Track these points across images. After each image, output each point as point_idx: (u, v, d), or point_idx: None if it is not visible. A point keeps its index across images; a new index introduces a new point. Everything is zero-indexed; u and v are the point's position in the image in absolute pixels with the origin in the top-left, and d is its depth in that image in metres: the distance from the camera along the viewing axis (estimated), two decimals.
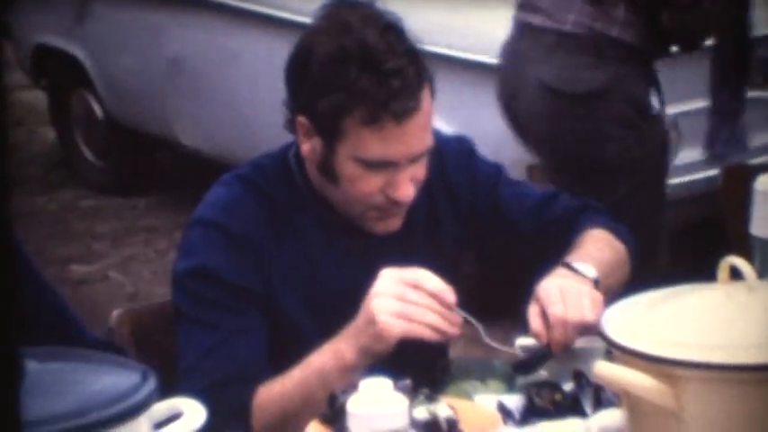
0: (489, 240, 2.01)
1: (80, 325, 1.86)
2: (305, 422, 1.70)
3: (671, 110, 3.77)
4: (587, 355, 1.78)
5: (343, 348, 1.72)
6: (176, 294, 1.86)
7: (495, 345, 1.78)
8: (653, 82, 3.19)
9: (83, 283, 4.46)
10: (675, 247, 3.79)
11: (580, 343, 1.82)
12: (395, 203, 1.82)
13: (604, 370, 1.50)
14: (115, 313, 2.05)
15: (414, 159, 1.81)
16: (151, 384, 1.26)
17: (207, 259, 1.82)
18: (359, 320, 1.71)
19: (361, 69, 1.75)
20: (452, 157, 1.97)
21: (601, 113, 3.03)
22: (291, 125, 1.86)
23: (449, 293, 1.70)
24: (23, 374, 1.11)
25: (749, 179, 2.11)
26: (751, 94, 3.85)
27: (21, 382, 0.83)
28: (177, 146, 4.84)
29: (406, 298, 1.68)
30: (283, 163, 1.90)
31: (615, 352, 1.51)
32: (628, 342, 1.48)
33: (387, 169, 1.80)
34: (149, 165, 5.29)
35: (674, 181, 3.76)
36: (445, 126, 3.86)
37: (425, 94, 1.80)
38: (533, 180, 3.70)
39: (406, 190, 1.81)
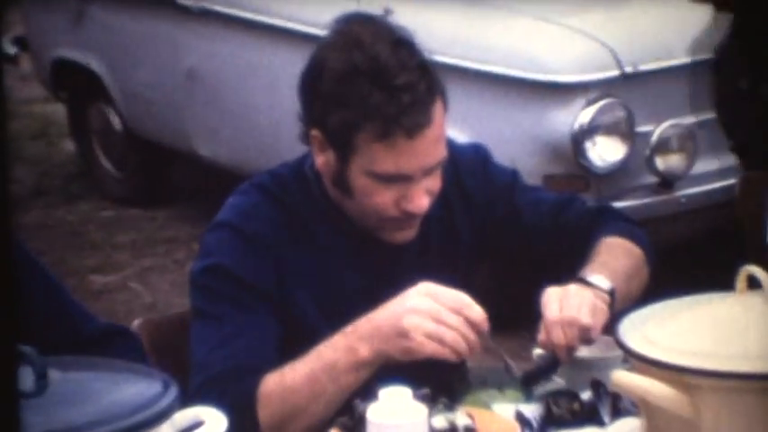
0: (506, 248, 2.02)
1: (87, 315, 1.87)
2: (312, 416, 1.71)
3: (687, 120, 3.77)
4: (605, 364, 1.78)
5: (358, 347, 1.72)
6: (192, 295, 1.88)
7: (512, 363, 1.79)
8: None
9: (102, 293, 4.48)
10: (692, 255, 3.79)
11: (597, 352, 1.82)
12: (409, 215, 1.83)
13: (622, 379, 1.50)
14: (135, 323, 2.06)
15: (427, 172, 1.82)
16: (173, 393, 1.27)
17: (222, 258, 1.84)
18: (385, 326, 1.71)
19: (372, 85, 1.76)
20: (468, 166, 1.98)
21: None
22: (306, 138, 1.87)
23: (485, 323, 1.70)
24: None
25: (766, 188, 2.11)
26: None
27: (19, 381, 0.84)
28: (195, 157, 4.86)
29: (445, 321, 1.68)
30: (300, 173, 1.91)
31: (633, 361, 1.51)
32: (646, 351, 1.48)
33: (400, 182, 1.81)
34: (168, 176, 5.32)
35: (691, 190, 3.77)
36: (461, 136, 3.87)
37: (437, 107, 1.81)
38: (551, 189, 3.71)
39: (421, 202, 1.82)
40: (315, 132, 1.83)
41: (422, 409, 1.57)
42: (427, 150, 1.80)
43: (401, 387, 1.59)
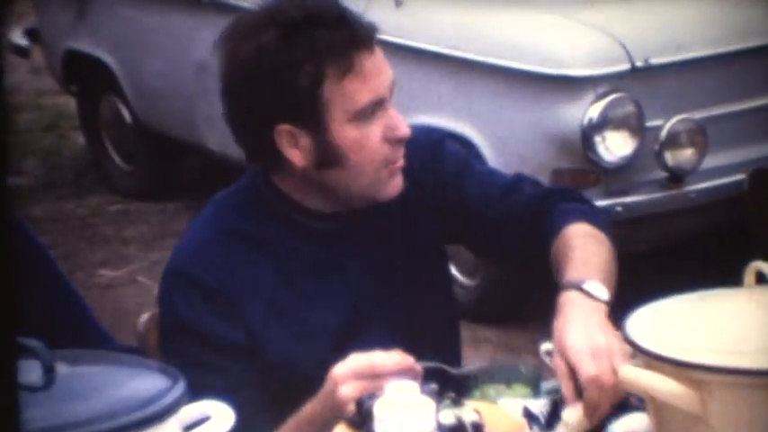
0: (464, 239, 1.98)
1: (107, 335, 1.87)
2: None
3: (697, 115, 3.77)
4: None
5: (342, 401, 1.65)
6: (163, 346, 1.84)
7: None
8: None
9: (111, 287, 4.49)
10: (701, 251, 3.79)
11: None
12: (399, 143, 1.81)
13: (630, 374, 1.50)
14: (144, 317, 2.06)
15: (392, 90, 1.81)
16: (180, 387, 1.27)
17: (185, 315, 1.79)
18: (329, 410, 1.66)
19: (314, 29, 1.75)
20: (418, 152, 1.91)
21: None
22: (263, 152, 1.80)
23: (407, 361, 1.65)
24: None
25: None
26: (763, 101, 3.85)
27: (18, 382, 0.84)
28: (205, 150, 4.86)
29: (372, 384, 1.63)
30: (251, 188, 1.85)
31: (641, 357, 1.51)
32: (654, 347, 1.48)
33: (379, 112, 1.78)
34: (178, 169, 5.32)
35: (700, 185, 3.76)
36: (471, 131, 3.87)
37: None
38: (560, 183, 3.71)
39: (403, 124, 1.81)
40: (279, 128, 1.77)
41: (429, 403, 1.57)
42: (384, 63, 1.80)
43: (408, 382, 1.59)
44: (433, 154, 1.95)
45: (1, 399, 0.80)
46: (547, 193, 1.96)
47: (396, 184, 1.84)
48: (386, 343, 1.71)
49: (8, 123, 0.80)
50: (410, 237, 1.92)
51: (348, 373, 1.65)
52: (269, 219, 1.84)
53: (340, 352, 1.70)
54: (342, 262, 1.86)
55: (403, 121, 1.82)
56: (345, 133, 1.78)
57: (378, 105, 1.79)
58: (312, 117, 1.77)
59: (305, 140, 1.78)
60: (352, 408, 1.63)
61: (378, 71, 1.79)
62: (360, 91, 1.77)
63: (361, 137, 1.78)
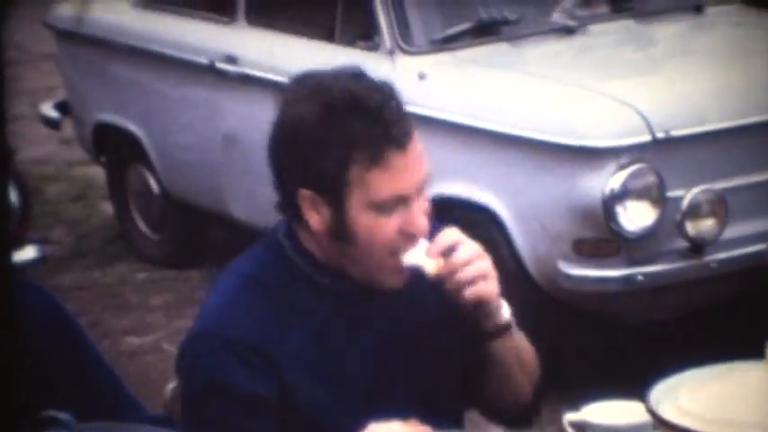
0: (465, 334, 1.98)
1: (138, 404, 1.90)
2: None
3: (718, 185, 3.79)
4: (634, 431, 1.79)
5: None
6: (188, 413, 1.84)
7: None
8: None
9: (136, 354, 4.51)
10: (722, 320, 3.79)
11: (628, 419, 1.84)
12: (413, 239, 1.82)
13: None
14: (170, 387, 2.06)
15: (419, 189, 1.83)
16: None
17: (215, 376, 1.80)
18: None
19: (350, 116, 1.79)
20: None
21: None
22: (289, 206, 1.85)
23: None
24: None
25: None
26: None
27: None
28: (231, 220, 4.90)
29: None
30: (276, 247, 1.88)
31: (663, 429, 1.53)
32: (677, 419, 1.49)
33: (400, 208, 1.81)
34: (203, 238, 5.35)
35: (722, 255, 3.77)
36: (493, 200, 3.90)
37: (411, 120, 1.84)
38: (580, 254, 3.73)
39: (422, 221, 1.83)
40: (303, 192, 1.82)
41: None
42: (417, 163, 1.82)
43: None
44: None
45: None
46: None
47: (400, 277, 1.86)
48: (408, 396, 1.77)
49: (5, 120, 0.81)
50: (427, 304, 1.95)
51: None
52: (293, 276, 1.87)
53: (368, 402, 1.75)
54: (366, 319, 1.88)
55: (422, 218, 1.83)
56: (360, 218, 1.81)
57: (399, 201, 1.81)
58: (333, 194, 1.81)
59: (324, 210, 1.82)
60: None
61: (407, 169, 1.80)
62: (383, 186, 1.80)
63: (374, 225, 1.81)
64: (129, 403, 1.89)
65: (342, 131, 1.79)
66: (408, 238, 1.83)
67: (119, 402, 1.86)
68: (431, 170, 1.86)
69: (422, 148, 1.84)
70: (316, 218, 1.82)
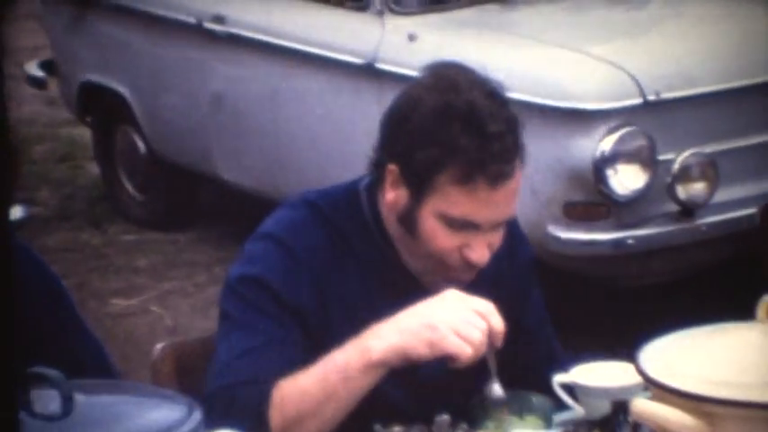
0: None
1: (116, 371, 1.89)
2: (322, 419, 1.73)
3: (709, 148, 3.78)
4: (624, 392, 1.78)
5: (371, 346, 1.74)
6: (224, 298, 1.89)
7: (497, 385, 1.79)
8: None
9: (123, 316, 4.50)
10: (712, 284, 3.79)
11: (617, 380, 1.83)
12: (468, 265, 1.83)
13: (643, 407, 1.51)
14: (158, 347, 2.07)
15: (495, 226, 1.83)
16: (197, 417, 1.28)
17: (264, 270, 1.85)
18: (413, 320, 1.73)
19: (463, 128, 1.78)
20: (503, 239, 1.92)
21: None
22: (377, 170, 1.88)
23: (502, 336, 1.73)
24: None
25: None
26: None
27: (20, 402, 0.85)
28: (219, 181, 4.88)
29: (474, 323, 1.72)
30: (353, 194, 1.92)
31: (653, 389, 1.52)
32: (666, 380, 1.49)
33: (468, 231, 1.81)
34: (191, 200, 5.34)
35: (711, 219, 3.76)
36: None
37: (519, 164, 1.84)
38: (570, 218, 3.72)
39: (483, 253, 1.82)
40: (392, 167, 1.84)
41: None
42: (503, 204, 1.82)
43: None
44: (510, 255, 1.98)
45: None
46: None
47: (448, 288, 1.85)
48: (431, 380, 1.78)
49: (8, 129, 0.81)
50: (493, 295, 1.92)
51: (450, 294, 1.74)
52: (357, 225, 1.90)
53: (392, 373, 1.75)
54: (418, 292, 1.86)
55: (483, 251, 1.83)
56: (429, 220, 1.83)
57: (470, 226, 1.82)
58: (416, 186, 1.83)
59: (403, 193, 1.84)
60: (452, 340, 1.68)
61: (490, 204, 1.81)
62: (461, 206, 1.80)
63: (438, 233, 1.82)
64: (110, 369, 1.88)
65: (448, 138, 1.79)
66: (465, 262, 1.83)
67: (98, 368, 1.85)
68: (514, 213, 1.86)
69: (516, 190, 1.84)
70: (392, 195, 1.85)
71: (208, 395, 1.77)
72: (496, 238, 1.85)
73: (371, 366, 1.73)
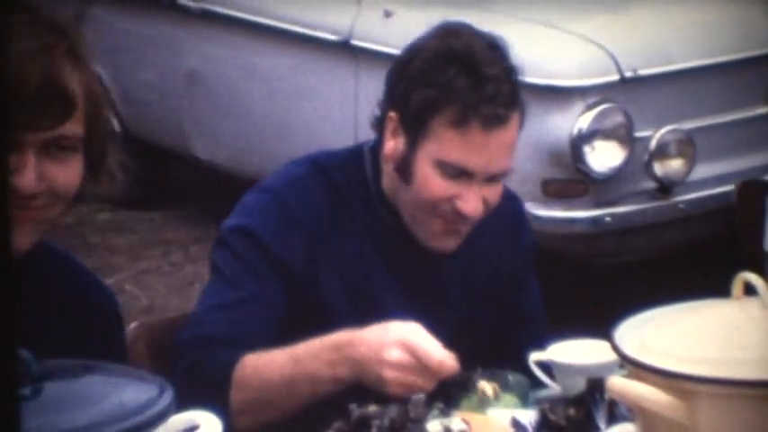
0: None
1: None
2: (284, 412, 1.73)
3: (686, 125, 3.77)
4: (600, 369, 1.78)
5: (340, 366, 1.73)
6: (215, 249, 1.90)
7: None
8: None
9: None
10: (690, 261, 3.79)
11: (593, 358, 1.82)
12: (460, 216, 1.83)
13: (618, 385, 1.50)
14: (131, 326, 2.05)
15: (490, 178, 1.83)
16: (168, 397, 1.27)
17: (255, 222, 1.85)
18: (366, 362, 1.71)
19: (460, 69, 1.80)
20: (498, 217, 1.93)
21: None
22: (379, 123, 1.88)
23: (450, 364, 1.71)
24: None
25: (763, 195, 2.11)
26: (756, 111, 3.86)
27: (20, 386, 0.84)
28: (194, 160, 4.86)
29: (419, 383, 1.69)
30: (357, 154, 1.92)
31: (629, 367, 1.51)
32: (642, 357, 1.48)
33: (462, 179, 1.81)
34: (166, 178, 5.31)
35: (689, 196, 3.77)
36: None
37: (515, 116, 1.84)
38: (548, 195, 3.71)
39: (476, 205, 1.82)
40: (392, 114, 1.85)
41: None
42: (497, 152, 1.82)
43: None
44: (519, 220, 1.99)
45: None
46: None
47: (447, 244, 1.87)
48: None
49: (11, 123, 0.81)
50: (490, 266, 1.95)
51: (406, 344, 1.68)
52: (358, 186, 1.90)
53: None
54: (415, 257, 1.88)
55: (475, 203, 1.82)
56: (424, 166, 1.83)
57: (463, 173, 1.81)
58: (413, 129, 1.83)
59: (400, 140, 1.85)
60: (391, 375, 1.67)
61: (483, 149, 1.80)
62: (455, 150, 1.80)
63: (431, 179, 1.82)
64: None
65: (443, 79, 1.80)
66: (457, 213, 1.82)
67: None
68: (508, 167, 1.85)
69: (510, 143, 1.83)
70: (391, 143, 1.85)
71: (180, 342, 1.79)
72: (492, 192, 1.84)
73: (338, 382, 1.74)
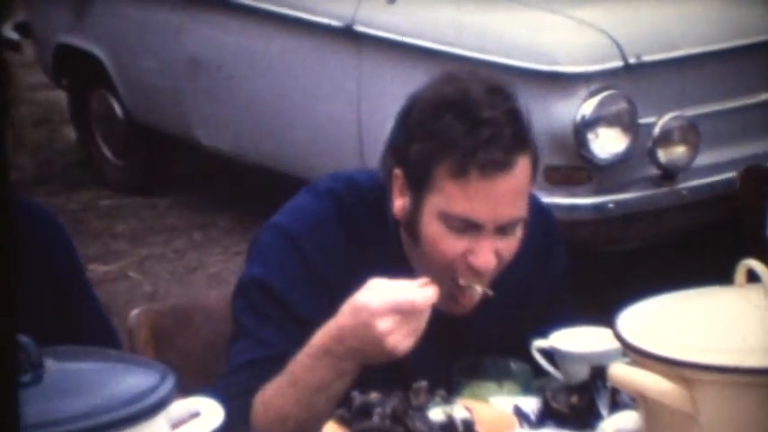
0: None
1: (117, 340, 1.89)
2: (316, 425, 1.68)
3: (690, 112, 3.76)
4: (603, 357, 1.77)
5: (343, 364, 1.70)
6: (234, 300, 1.84)
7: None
8: None
9: (101, 282, 4.47)
10: (693, 248, 3.79)
11: (595, 346, 1.82)
12: (474, 272, 1.75)
13: (620, 373, 1.50)
14: (134, 313, 2.05)
15: (501, 229, 1.74)
16: (169, 384, 1.27)
17: (277, 278, 1.79)
18: (360, 345, 1.68)
19: (455, 117, 1.72)
20: (531, 237, 1.83)
21: None
22: (387, 176, 1.81)
23: (429, 290, 1.68)
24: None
25: (766, 181, 2.11)
26: (760, 97, 3.85)
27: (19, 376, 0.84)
28: (197, 145, 4.85)
29: (408, 318, 1.66)
30: (379, 192, 1.84)
31: (631, 354, 1.51)
32: (644, 345, 1.48)
33: (470, 232, 1.74)
34: (169, 164, 5.31)
35: (692, 183, 3.76)
36: None
37: (522, 160, 1.74)
38: (551, 182, 3.71)
39: (487, 258, 1.74)
40: (397, 171, 1.79)
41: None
42: (502, 199, 1.73)
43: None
44: (545, 255, 1.93)
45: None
46: None
47: (461, 304, 1.79)
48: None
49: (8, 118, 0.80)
50: (507, 318, 1.89)
51: (385, 308, 1.65)
52: (381, 222, 1.83)
53: (391, 377, 1.70)
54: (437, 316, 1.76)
55: (487, 257, 1.74)
56: (431, 224, 1.76)
57: (470, 226, 1.74)
58: (417, 185, 1.76)
59: (407, 198, 1.79)
60: (392, 342, 1.64)
61: (487, 198, 1.72)
62: (458, 201, 1.73)
63: (440, 238, 1.76)
64: (114, 336, 1.88)
65: (438, 128, 1.73)
66: (470, 269, 1.75)
67: (104, 333, 1.85)
68: (521, 215, 1.76)
69: (520, 189, 1.74)
70: (399, 202, 1.79)
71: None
72: (505, 244, 1.76)
73: (348, 375, 1.71)
